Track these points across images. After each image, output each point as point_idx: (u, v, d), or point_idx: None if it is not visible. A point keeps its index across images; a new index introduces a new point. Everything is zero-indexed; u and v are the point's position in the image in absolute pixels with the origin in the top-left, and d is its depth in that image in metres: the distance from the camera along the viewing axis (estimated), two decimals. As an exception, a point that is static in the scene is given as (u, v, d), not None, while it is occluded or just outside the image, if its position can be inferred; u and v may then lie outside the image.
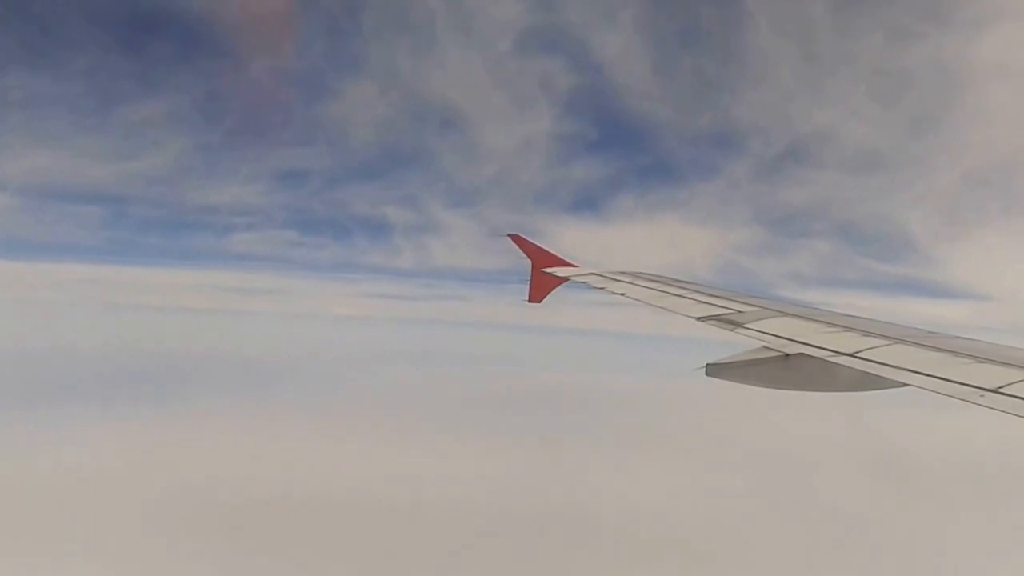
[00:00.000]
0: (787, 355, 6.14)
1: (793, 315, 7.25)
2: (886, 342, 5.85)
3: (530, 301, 12.09)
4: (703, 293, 8.69)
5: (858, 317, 7.13)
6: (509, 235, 12.55)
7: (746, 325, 6.94)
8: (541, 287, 12.01)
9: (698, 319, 7.50)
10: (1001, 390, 4.51)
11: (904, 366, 5.21)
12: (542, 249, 12.36)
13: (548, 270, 11.97)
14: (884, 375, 5.19)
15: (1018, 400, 4.35)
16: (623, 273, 10.68)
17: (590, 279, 10.72)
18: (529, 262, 12.22)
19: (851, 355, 5.61)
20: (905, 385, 5.06)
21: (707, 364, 6.56)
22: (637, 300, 8.95)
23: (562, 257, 12.31)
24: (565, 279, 11.57)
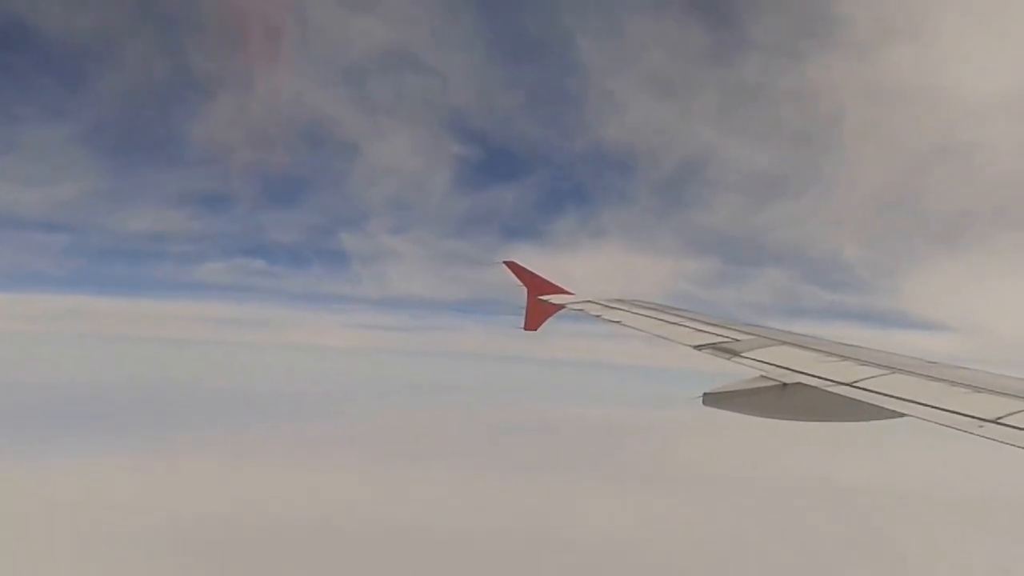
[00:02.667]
0: (785, 384, 6.11)
1: (791, 344, 7.24)
2: (884, 372, 5.84)
3: (526, 329, 12.08)
4: (700, 321, 8.68)
5: (855, 346, 7.12)
6: (504, 262, 12.55)
7: (743, 354, 6.92)
8: (537, 315, 12.00)
9: (695, 347, 7.48)
10: (1000, 421, 4.49)
11: (902, 396, 5.19)
12: (538, 276, 12.36)
13: (544, 298, 11.97)
14: (882, 405, 5.17)
15: (1017, 431, 4.33)
16: (619, 301, 10.68)
17: (586, 307, 10.72)
18: (518, 289, 12.23)
19: (849, 384, 5.58)
20: (903, 415, 5.04)
21: (704, 393, 6.53)
22: (633, 328, 8.94)
23: (558, 284, 12.31)
24: (561, 307, 11.57)
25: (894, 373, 5.80)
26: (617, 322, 9.38)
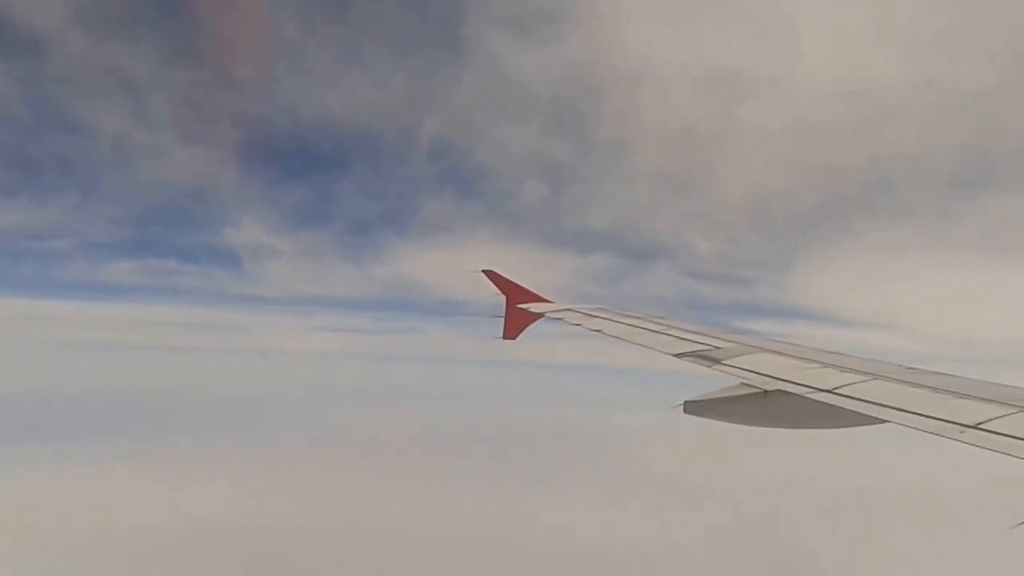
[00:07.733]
0: (766, 392, 6.09)
1: (771, 351, 7.23)
2: (864, 378, 5.83)
3: (505, 338, 11.96)
4: (681, 329, 8.66)
5: (836, 353, 7.12)
6: (483, 271, 12.45)
7: (724, 362, 6.90)
8: (516, 323, 11.91)
9: (676, 356, 7.44)
10: (981, 426, 4.48)
11: (883, 402, 5.18)
12: (516, 285, 12.28)
13: (523, 306, 11.88)
14: (863, 411, 5.16)
15: (999, 436, 4.32)
16: (600, 309, 10.64)
17: (566, 315, 10.65)
18: (498, 297, 12.13)
19: (830, 391, 5.57)
20: (885, 421, 5.02)
21: (685, 401, 6.48)
22: (614, 337, 8.89)
23: (537, 293, 12.23)
24: (540, 315, 11.49)
25: (874, 379, 5.79)
26: (598, 331, 9.33)
